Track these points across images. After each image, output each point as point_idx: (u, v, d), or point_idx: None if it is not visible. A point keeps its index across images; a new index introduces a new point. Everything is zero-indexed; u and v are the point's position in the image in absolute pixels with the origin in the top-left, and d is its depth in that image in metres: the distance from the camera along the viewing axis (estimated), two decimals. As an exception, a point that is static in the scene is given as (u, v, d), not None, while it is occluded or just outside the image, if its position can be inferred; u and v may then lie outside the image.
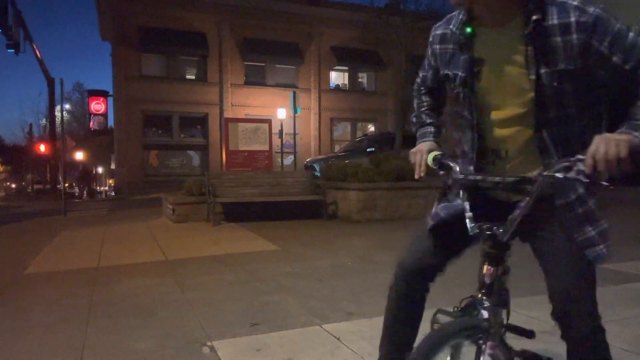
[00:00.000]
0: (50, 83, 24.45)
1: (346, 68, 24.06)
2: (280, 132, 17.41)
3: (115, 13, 20.27)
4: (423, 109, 1.81)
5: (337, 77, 24.68)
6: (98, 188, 41.82)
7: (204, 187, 8.65)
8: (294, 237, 6.84)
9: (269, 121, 13.47)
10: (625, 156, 1.18)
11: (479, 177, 1.42)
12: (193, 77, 22.03)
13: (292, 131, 18.13)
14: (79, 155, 36.61)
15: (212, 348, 2.74)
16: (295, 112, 16.46)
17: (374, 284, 4.13)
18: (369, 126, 24.67)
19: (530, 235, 1.61)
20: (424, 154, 1.64)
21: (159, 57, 21.13)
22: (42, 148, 26.30)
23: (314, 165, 13.45)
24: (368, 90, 24.84)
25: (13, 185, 58.89)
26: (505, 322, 1.53)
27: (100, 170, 47.43)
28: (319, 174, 10.29)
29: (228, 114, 20.94)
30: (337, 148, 21.20)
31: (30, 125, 43.13)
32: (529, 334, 1.61)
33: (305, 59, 22.82)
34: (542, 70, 1.34)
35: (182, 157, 21.69)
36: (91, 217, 12.05)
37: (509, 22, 1.37)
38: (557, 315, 1.57)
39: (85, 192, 33.62)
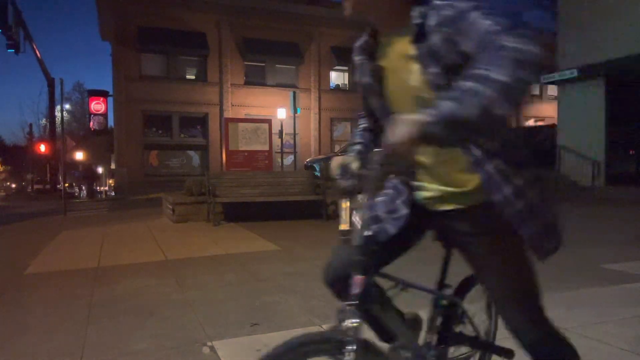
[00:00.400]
0: (50, 83, 24.45)
1: (346, 68, 24.06)
2: (280, 132, 17.42)
3: (115, 13, 20.27)
4: (358, 129, 1.82)
5: (337, 77, 24.68)
6: (98, 188, 41.80)
7: (204, 187, 8.65)
8: (294, 237, 6.84)
9: (269, 121, 13.48)
10: (414, 134, 1.10)
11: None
12: (193, 77, 22.03)
13: (292, 131, 18.13)
14: (79, 155, 36.61)
15: (212, 348, 2.74)
16: (295, 112, 16.47)
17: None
18: (369, 126, 24.65)
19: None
20: (332, 163, 1.70)
21: (159, 57, 21.13)
22: (42, 148, 26.31)
23: (314, 165, 13.47)
24: (368, 90, 24.83)
25: (13, 185, 58.91)
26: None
27: (100, 170, 47.43)
28: (319, 174, 10.30)
29: (228, 114, 20.94)
30: (337, 148, 21.21)
31: (30, 125, 43.14)
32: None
33: (305, 59, 22.82)
34: (432, 70, 1.30)
35: (182, 157, 21.69)
36: (91, 217, 12.05)
37: (402, 29, 1.36)
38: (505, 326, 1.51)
39: (86, 192, 33.61)
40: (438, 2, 1.29)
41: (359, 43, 1.66)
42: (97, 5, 21.12)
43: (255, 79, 22.31)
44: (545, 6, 22.55)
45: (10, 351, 2.82)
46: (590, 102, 13.89)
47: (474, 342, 1.90)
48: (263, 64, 22.38)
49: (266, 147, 12.88)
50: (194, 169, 21.04)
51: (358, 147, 1.75)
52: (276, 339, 2.81)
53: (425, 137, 1.10)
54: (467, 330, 1.87)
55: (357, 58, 1.68)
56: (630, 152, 13.61)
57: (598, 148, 13.56)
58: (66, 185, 20.72)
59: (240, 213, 8.64)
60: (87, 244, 6.86)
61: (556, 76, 14.86)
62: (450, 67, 1.28)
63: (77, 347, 2.80)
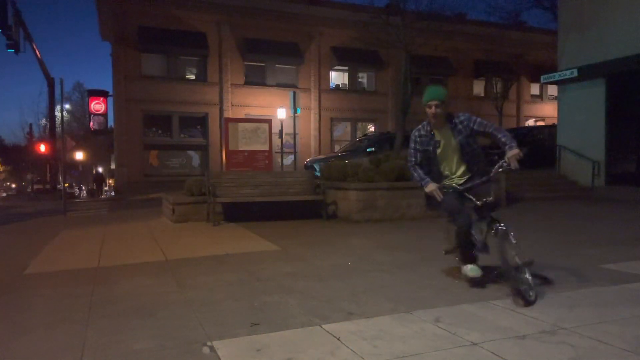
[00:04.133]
0: (50, 83, 24.44)
1: (346, 68, 24.06)
2: (280, 132, 17.41)
3: (116, 13, 20.27)
4: (421, 171, 3.95)
5: (337, 77, 24.68)
6: (104, 189, 41.79)
7: (204, 187, 8.65)
8: (294, 237, 6.83)
9: (269, 121, 13.47)
10: (520, 156, 3.52)
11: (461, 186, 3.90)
12: (193, 77, 22.03)
13: (292, 131, 18.12)
14: (79, 155, 36.59)
15: (212, 348, 2.74)
16: (295, 112, 16.46)
17: (374, 284, 4.13)
18: (369, 126, 24.66)
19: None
20: (435, 187, 3.82)
21: (159, 57, 21.12)
22: (42, 148, 26.27)
23: (314, 165, 13.45)
24: (368, 90, 24.84)
25: (13, 185, 58.90)
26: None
27: (100, 170, 47.46)
28: (319, 174, 10.29)
29: (228, 114, 20.94)
30: (337, 148, 21.20)
31: (30, 125, 43.08)
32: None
33: (305, 59, 22.81)
34: (459, 138, 3.83)
35: (182, 157, 21.69)
36: (91, 217, 12.04)
37: (445, 126, 3.86)
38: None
39: (87, 192, 33.58)
40: (459, 114, 3.90)
41: (424, 130, 3.93)
42: (97, 5, 21.11)
43: (255, 79, 22.31)
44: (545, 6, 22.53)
45: (10, 351, 2.82)
46: (590, 102, 13.88)
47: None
48: (263, 64, 22.38)
49: (266, 147, 12.88)
50: (194, 169, 21.04)
51: (427, 177, 3.89)
52: (276, 339, 2.82)
53: (522, 154, 3.60)
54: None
55: (420, 139, 3.94)
56: (630, 152, 13.60)
57: (598, 148, 13.55)
58: (66, 185, 20.72)
59: (240, 213, 8.64)
60: (87, 244, 6.86)
61: (556, 76, 14.85)
62: (464, 137, 3.83)
63: (77, 347, 2.80)
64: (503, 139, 3.59)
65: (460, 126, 3.78)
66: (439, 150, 3.86)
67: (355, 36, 21.70)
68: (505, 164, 3.53)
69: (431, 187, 3.75)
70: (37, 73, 60.17)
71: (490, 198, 3.68)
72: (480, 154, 3.93)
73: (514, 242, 3.57)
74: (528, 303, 3.32)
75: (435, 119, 3.78)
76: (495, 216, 3.71)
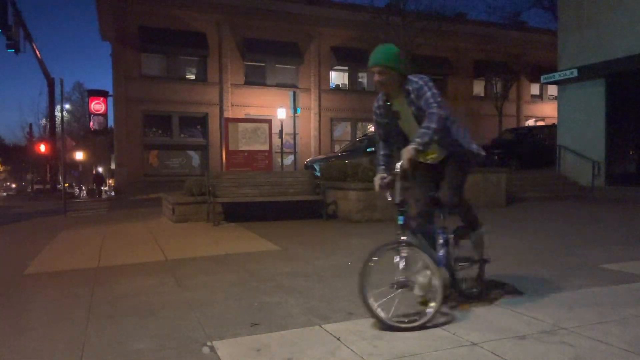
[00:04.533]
0: (50, 83, 24.45)
1: (346, 68, 24.07)
2: (280, 132, 17.41)
3: (116, 13, 20.27)
4: (383, 152, 3.37)
5: (337, 77, 24.68)
6: (103, 189, 41.81)
7: (204, 187, 8.65)
8: (294, 237, 6.83)
9: (269, 121, 13.48)
10: (414, 155, 2.89)
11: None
12: (193, 77, 22.03)
13: (292, 131, 18.13)
14: (79, 155, 36.60)
15: (212, 348, 2.73)
16: (295, 112, 16.46)
17: (374, 284, 4.12)
18: (369, 126, 24.67)
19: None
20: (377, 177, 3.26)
21: (159, 57, 21.13)
22: (42, 148, 26.28)
23: (314, 165, 13.45)
24: (368, 90, 24.84)
25: (13, 185, 58.91)
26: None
27: (100, 170, 47.48)
28: (319, 174, 10.29)
29: (228, 114, 20.94)
30: (337, 148, 21.20)
31: (30, 125, 43.10)
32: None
33: (305, 59, 22.82)
34: (412, 109, 3.12)
35: (182, 157, 21.69)
36: (91, 217, 12.04)
37: (401, 94, 3.14)
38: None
39: (87, 192, 33.58)
40: (412, 80, 3.08)
41: (379, 101, 3.29)
42: (97, 5, 21.11)
43: (255, 79, 22.30)
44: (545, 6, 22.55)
45: (10, 351, 2.82)
46: (590, 102, 13.88)
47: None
48: (263, 64, 22.38)
49: (266, 147, 12.88)
50: (194, 169, 21.04)
51: (383, 166, 3.30)
52: (276, 339, 2.82)
53: (418, 152, 2.89)
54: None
55: (378, 112, 3.33)
56: (630, 152, 13.60)
57: (598, 148, 13.56)
58: (66, 185, 20.72)
59: (240, 213, 8.64)
60: (87, 244, 6.86)
61: (556, 76, 14.85)
62: (420, 109, 3.05)
63: (77, 347, 2.80)
64: (419, 129, 2.97)
65: (412, 95, 3.08)
66: (401, 123, 3.23)
67: (355, 36, 21.73)
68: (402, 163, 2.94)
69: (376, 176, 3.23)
70: (37, 73, 60.19)
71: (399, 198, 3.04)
72: (453, 132, 3.24)
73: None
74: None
75: (381, 87, 3.17)
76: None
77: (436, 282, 2.98)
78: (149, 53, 20.84)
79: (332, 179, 9.13)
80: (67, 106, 38.36)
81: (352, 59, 23.33)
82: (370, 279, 2.95)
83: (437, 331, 2.88)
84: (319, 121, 23.33)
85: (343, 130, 24.41)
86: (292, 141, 20.90)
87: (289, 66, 22.90)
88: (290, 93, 16.96)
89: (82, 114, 40.99)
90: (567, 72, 14.28)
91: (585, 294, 3.66)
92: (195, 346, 2.78)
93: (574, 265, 4.66)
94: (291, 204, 8.82)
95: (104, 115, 24.10)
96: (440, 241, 3.25)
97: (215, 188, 8.41)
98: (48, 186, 27.17)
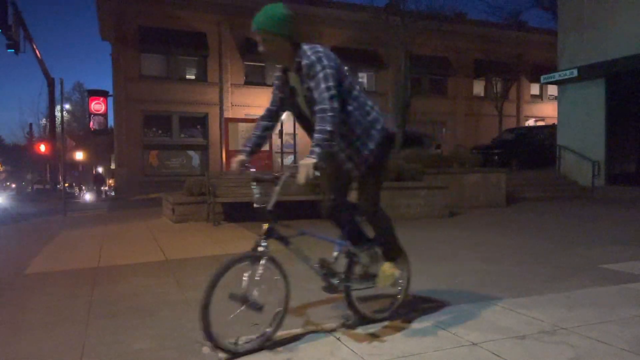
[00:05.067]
0: (50, 83, 24.43)
1: (346, 68, 24.04)
2: (280, 132, 17.40)
3: (115, 13, 20.26)
4: (261, 123, 2.88)
5: (337, 77, 24.66)
6: (103, 189, 41.84)
7: (204, 187, 8.65)
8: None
9: (269, 121, 13.47)
10: (313, 174, 2.34)
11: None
12: (193, 77, 22.01)
13: (292, 131, 18.12)
14: (79, 155, 36.60)
15: (212, 348, 2.73)
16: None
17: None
18: (369, 126, 24.66)
19: None
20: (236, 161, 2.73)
21: (159, 57, 21.11)
22: (42, 148, 26.28)
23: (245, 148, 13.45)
24: (368, 90, 24.81)
25: (13, 185, 58.92)
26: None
27: (100, 170, 47.48)
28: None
29: (228, 114, 20.92)
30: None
31: (30, 125, 43.13)
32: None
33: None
34: (306, 86, 2.53)
35: (182, 157, 21.67)
36: (91, 217, 12.04)
37: (291, 68, 2.60)
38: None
39: (96, 195, 33.61)
40: (305, 52, 2.53)
41: (277, 73, 2.74)
42: (97, 5, 21.10)
43: (255, 79, 22.29)
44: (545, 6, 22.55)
45: (10, 351, 2.82)
46: (590, 102, 13.88)
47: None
48: (263, 64, 22.36)
49: (266, 147, 12.88)
50: (194, 169, 21.03)
51: (250, 148, 2.77)
52: (276, 338, 2.81)
53: (316, 167, 2.35)
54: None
55: (276, 82, 2.79)
56: (631, 152, 13.61)
57: (598, 148, 13.56)
58: (66, 185, 20.72)
59: (241, 213, 8.64)
60: (87, 244, 6.86)
61: (556, 76, 14.86)
62: (312, 90, 2.49)
63: (77, 347, 2.80)
64: (315, 134, 2.42)
65: (304, 71, 2.52)
66: (299, 101, 2.68)
67: (355, 36, 21.72)
68: (293, 173, 2.45)
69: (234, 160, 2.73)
70: (37, 73, 60.21)
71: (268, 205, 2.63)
72: (358, 121, 2.64)
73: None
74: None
75: (268, 58, 2.62)
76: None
77: (282, 298, 2.67)
78: (149, 53, 20.82)
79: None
80: (67, 106, 38.37)
81: (352, 59, 23.28)
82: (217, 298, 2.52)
83: (437, 331, 2.88)
84: (319, 121, 23.33)
85: (343, 130, 24.41)
86: (292, 141, 20.88)
87: (289, 66, 22.89)
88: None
89: (82, 114, 41.00)
90: (567, 72, 14.29)
91: (585, 294, 3.66)
92: (195, 346, 2.78)
93: (573, 265, 4.66)
94: (291, 204, 8.80)
95: (104, 115, 24.09)
96: (335, 253, 2.91)
97: (215, 188, 8.40)
98: (48, 186, 27.17)
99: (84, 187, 43.78)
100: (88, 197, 30.87)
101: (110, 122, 25.89)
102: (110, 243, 6.81)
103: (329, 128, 2.38)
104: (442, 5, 24.55)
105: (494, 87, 25.42)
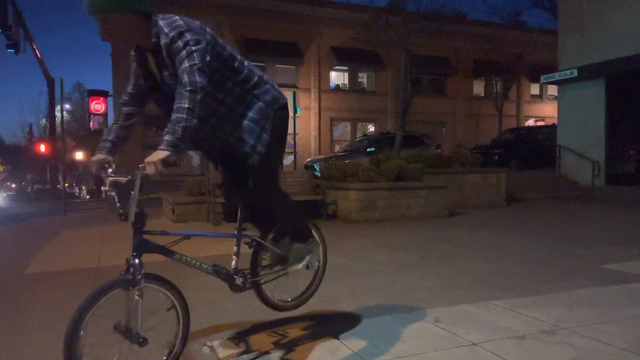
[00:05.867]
0: (50, 83, 24.42)
1: (346, 68, 24.06)
2: (280, 132, 17.38)
3: (115, 13, 20.27)
4: (120, 118, 2.32)
5: (337, 77, 24.67)
6: (102, 188, 41.76)
7: (204, 187, 8.65)
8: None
9: (269, 121, 13.45)
10: (163, 169, 1.96)
11: None
12: (193, 77, 22.03)
13: (292, 131, 18.12)
14: (79, 155, 36.58)
15: (212, 348, 2.74)
16: (295, 112, 16.46)
17: (373, 284, 4.13)
18: (369, 126, 24.67)
19: None
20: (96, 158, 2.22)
21: (159, 57, 21.13)
22: (42, 148, 26.30)
23: (314, 165, 13.45)
24: (368, 90, 24.84)
25: (13, 185, 58.92)
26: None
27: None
28: (319, 174, 10.29)
29: (228, 114, 20.93)
30: (337, 148, 21.20)
31: (30, 125, 43.19)
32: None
33: (305, 59, 22.81)
34: (167, 73, 2.08)
35: (182, 157, 21.68)
36: (91, 217, 12.04)
37: (149, 46, 2.07)
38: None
39: (87, 192, 33.61)
40: (161, 23, 2.02)
41: (131, 54, 2.20)
42: (97, 5, 21.07)
43: (255, 79, 22.31)
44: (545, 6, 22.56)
45: (10, 351, 2.82)
46: (590, 102, 13.89)
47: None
48: (263, 64, 22.37)
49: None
50: (194, 169, 21.04)
51: (111, 145, 2.21)
52: (276, 338, 2.81)
53: (168, 163, 1.94)
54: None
55: (133, 64, 2.23)
56: (630, 152, 13.60)
57: (598, 148, 13.56)
58: (66, 185, 20.72)
59: (240, 213, 8.62)
60: (87, 244, 6.86)
61: (556, 76, 14.86)
62: (176, 76, 2.00)
63: (77, 347, 2.80)
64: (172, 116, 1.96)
65: (164, 53, 2.04)
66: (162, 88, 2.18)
67: (355, 36, 21.70)
68: (144, 173, 2.04)
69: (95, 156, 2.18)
70: (37, 73, 60.25)
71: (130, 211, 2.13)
72: (229, 118, 2.23)
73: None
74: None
75: (118, 41, 2.12)
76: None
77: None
78: (149, 53, 20.86)
79: (332, 179, 9.13)
80: (67, 106, 38.42)
81: (352, 59, 23.33)
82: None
83: (437, 331, 2.88)
84: (319, 121, 23.32)
85: (343, 130, 24.40)
86: (292, 141, 20.88)
87: (289, 66, 22.89)
88: (290, 93, 16.95)
89: (82, 114, 41.00)
90: (567, 72, 14.29)
91: (585, 294, 3.66)
92: (195, 346, 2.78)
93: (573, 265, 4.66)
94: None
95: (104, 115, 24.08)
96: (234, 248, 2.65)
97: (215, 188, 8.40)
98: (48, 186, 27.17)
99: (83, 187, 43.80)
100: (88, 197, 30.87)
101: (110, 122, 25.87)
102: (110, 243, 6.81)
103: (186, 105, 1.92)
104: (443, 5, 24.55)
105: (494, 87, 25.43)
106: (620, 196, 11.99)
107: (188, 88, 1.94)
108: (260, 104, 2.31)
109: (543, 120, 27.01)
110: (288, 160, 21.60)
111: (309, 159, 16.64)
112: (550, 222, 8.28)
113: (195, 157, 21.88)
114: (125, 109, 2.28)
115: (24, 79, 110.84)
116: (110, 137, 2.21)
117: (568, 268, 4.56)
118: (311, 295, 2.90)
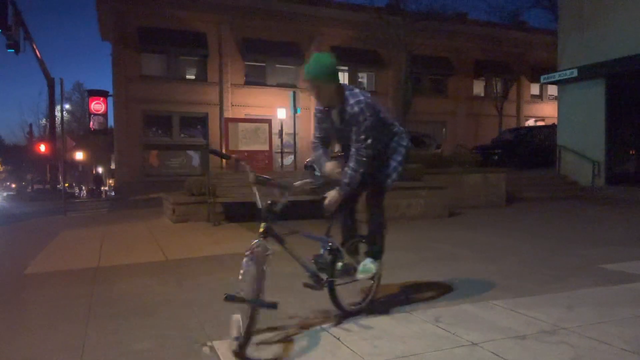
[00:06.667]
0: (50, 83, 24.42)
1: (346, 68, 24.03)
2: (280, 132, 17.41)
3: (115, 13, 20.26)
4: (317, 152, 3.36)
5: (337, 77, 24.67)
6: (102, 188, 41.85)
7: (204, 187, 8.64)
8: (293, 237, 6.82)
9: (269, 121, 13.47)
10: (339, 201, 3.02)
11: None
12: (193, 77, 22.01)
13: (292, 131, 18.12)
14: (79, 155, 36.60)
15: (212, 348, 2.74)
16: (295, 112, 16.46)
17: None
18: (369, 126, 24.67)
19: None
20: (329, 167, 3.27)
21: (159, 57, 21.11)
22: (42, 148, 26.28)
23: (314, 165, 13.44)
24: (368, 90, 24.83)
25: (13, 185, 58.91)
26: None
27: (100, 170, 47.48)
28: (319, 174, 10.29)
29: (228, 114, 20.92)
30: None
31: (30, 125, 43.14)
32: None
33: (305, 59, 22.78)
34: (344, 126, 3.05)
35: (182, 157, 21.67)
36: (91, 217, 12.04)
37: (337, 106, 3.03)
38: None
39: (86, 192, 33.65)
40: (348, 94, 2.98)
41: (319, 108, 3.17)
42: (97, 5, 21.09)
43: (255, 79, 22.29)
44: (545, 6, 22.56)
45: (10, 351, 2.82)
46: (590, 102, 13.88)
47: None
48: (263, 64, 22.37)
49: (266, 147, 12.87)
50: (194, 169, 21.02)
51: (318, 168, 3.31)
52: (276, 339, 2.81)
53: (339, 199, 3.04)
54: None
55: (318, 115, 3.22)
56: (630, 152, 13.60)
57: (598, 148, 13.56)
58: (66, 185, 20.72)
59: (241, 213, 8.64)
60: (87, 244, 6.86)
61: (556, 76, 14.85)
62: (350, 130, 2.99)
63: (77, 347, 2.80)
64: (348, 170, 3.04)
65: (347, 116, 3.02)
66: (337, 130, 3.21)
67: (355, 36, 21.71)
68: (320, 191, 3.18)
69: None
70: (37, 73, 60.12)
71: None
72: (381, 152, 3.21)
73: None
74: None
75: (318, 100, 3.10)
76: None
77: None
78: (149, 53, 20.81)
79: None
80: (67, 106, 38.36)
81: (352, 59, 23.30)
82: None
83: (437, 331, 2.88)
84: (319, 121, 23.33)
85: (343, 130, 24.41)
86: (292, 141, 20.88)
87: (289, 66, 22.87)
88: (290, 93, 16.95)
89: (82, 114, 40.99)
90: (567, 72, 14.28)
91: (585, 294, 3.66)
92: (195, 346, 2.78)
93: (573, 265, 4.66)
94: (291, 204, 8.80)
95: (104, 115, 24.07)
96: (321, 251, 3.21)
97: (215, 188, 8.40)
98: (48, 186, 27.16)
99: (83, 187, 43.83)
100: (88, 196, 30.89)
101: (110, 122, 25.88)
102: (110, 243, 6.81)
103: (361, 170, 3.01)
104: (443, 5, 24.55)
105: (494, 87, 25.41)
106: (620, 196, 11.99)
107: (360, 154, 2.99)
108: (402, 149, 3.27)
109: (543, 120, 26.99)
110: (288, 160, 21.60)
111: (309, 159, 16.60)
112: (550, 222, 8.27)
113: (195, 157, 21.89)
114: (322, 150, 3.33)
115: (24, 79, 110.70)
116: (320, 167, 3.33)
117: (568, 268, 4.56)
118: (370, 302, 3.34)
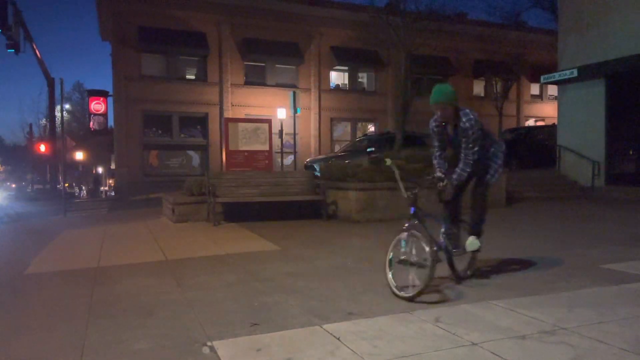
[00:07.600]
0: (50, 83, 24.41)
1: (346, 68, 24.03)
2: (280, 132, 17.41)
3: (115, 13, 20.26)
4: (437, 156, 4.28)
5: (337, 77, 24.64)
6: (101, 188, 41.83)
7: (204, 187, 8.64)
8: (293, 237, 6.83)
9: (269, 121, 13.46)
10: (451, 190, 4.11)
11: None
12: (193, 77, 22.00)
13: (292, 131, 18.11)
14: (79, 155, 36.59)
15: (212, 348, 2.74)
16: (295, 112, 16.45)
17: (373, 284, 4.13)
18: (369, 126, 24.65)
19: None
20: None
21: (159, 57, 21.10)
22: (42, 148, 26.27)
23: (314, 165, 13.43)
24: (368, 90, 24.82)
25: (13, 185, 58.91)
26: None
27: (100, 170, 47.48)
28: (319, 174, 10.28)
29: (228, 114, 20.92)
30: (337, 148, 21.20)
31: (30, 125, 43.04)
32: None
33: (305, 59, 22.79)
34: (456, 137, 4.05)
35: (182, 157, 21.67)
36: (91, 217, 12.04)
37: (451, 123, 4.07)
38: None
39: (86, 192, 33.66)
40: (461, 113, 4.00)
41: (436, 121, 4.15)
42: (97, 5, 21.09)
43: (255, 79, 22.28)
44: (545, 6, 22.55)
45: (10, 351, 2.82)
46: (590, 102, 13.87)
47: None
48: (263, 64, 22.36)
49: (266, 147, 12.87)
50: (194, 169, 21.02)
51: (440, 168, 4.18)
52: (276, 339, 2.82)
53: (454, 186, 4.10)
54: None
55: (435, 129, 4.19)
56: (630, 152, 13.59)
57: (598, 148, 13.55)
58: (66, 185, 20.72)
59: (240, 213, 8.64)
60: (87, 244, 6.86)
61: (556, 76, 14.84)
62: (461, 140, 4.01)
63: (77, 347, 2.80)
64: (458, 169, 4.06)
65: (460, 130, 4.03)
66: (450, 139, 4.25)
67: (355, 36, 21.69)
68: (441, 185, 4.06)
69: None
70: (37, 73, 59.99)
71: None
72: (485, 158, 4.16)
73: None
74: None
75: (442, 119, 4.11)
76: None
77: (427, 262, 3.59)
78: (149, 53, 20.80)
79: (332, 179, 9.12)
80: (67, 106, 38.37)
81: (352, 59, 23.30)
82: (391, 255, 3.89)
83: (437, 331, 2.88)
84: (319, 121, 23.30)
85: (343, 130, 24.37)
86: (292, 141, 20.87)
87: (289, 66, 22.86)
88: (290, 93, 16.94)
89: (82, 114, 40.99)
90: (567, 72, 14.27)
91: (585, 294, 3.66)
92: (195, 346, 2.78)
93: (573, 265, 4.66)
94: (291, 204, 8.81)
95: (104, 115, 24.08)
96: (442, 230, 4.16)
97: (215, 188, 8.40)
98: (48, 186, 27.15)
99: (83, 187, 43.83)
100: (88, 197, 30.89)
101: (110, 122, 25.88)
102: (110, 243, 6.81)
103: (468, 170, 4.00)
104: (443, 5, 24.55)
105: (494, 87, 25.39)
106: (620, 196, 11.99)
107: (468, 158, 3.97)
108: (500, 154, 4.24)
109: (543, 120, 26.98)
110: (288, 160, 21.62)
111: (309, 159, 16.62)
112: (550, 222, 8.27)
113: (195, 157, 21.90)
114: (439, 159, 4.22)
115: (24, 79, 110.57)
116: (439, 167, 4.18)
117: (568, 268, 4.56)
118: (475, 269, 4.31)
